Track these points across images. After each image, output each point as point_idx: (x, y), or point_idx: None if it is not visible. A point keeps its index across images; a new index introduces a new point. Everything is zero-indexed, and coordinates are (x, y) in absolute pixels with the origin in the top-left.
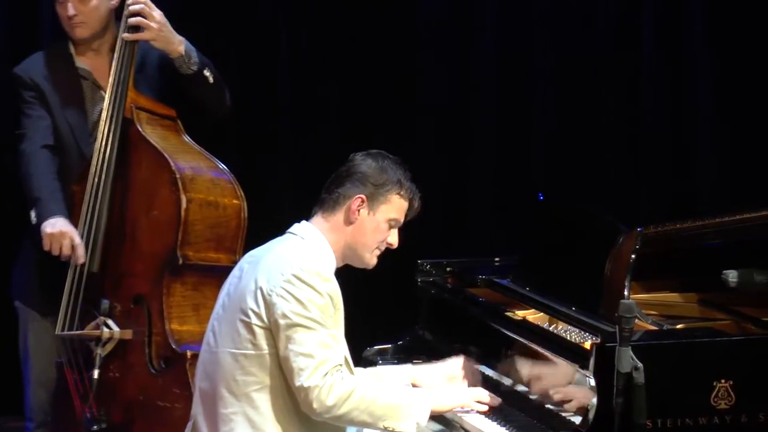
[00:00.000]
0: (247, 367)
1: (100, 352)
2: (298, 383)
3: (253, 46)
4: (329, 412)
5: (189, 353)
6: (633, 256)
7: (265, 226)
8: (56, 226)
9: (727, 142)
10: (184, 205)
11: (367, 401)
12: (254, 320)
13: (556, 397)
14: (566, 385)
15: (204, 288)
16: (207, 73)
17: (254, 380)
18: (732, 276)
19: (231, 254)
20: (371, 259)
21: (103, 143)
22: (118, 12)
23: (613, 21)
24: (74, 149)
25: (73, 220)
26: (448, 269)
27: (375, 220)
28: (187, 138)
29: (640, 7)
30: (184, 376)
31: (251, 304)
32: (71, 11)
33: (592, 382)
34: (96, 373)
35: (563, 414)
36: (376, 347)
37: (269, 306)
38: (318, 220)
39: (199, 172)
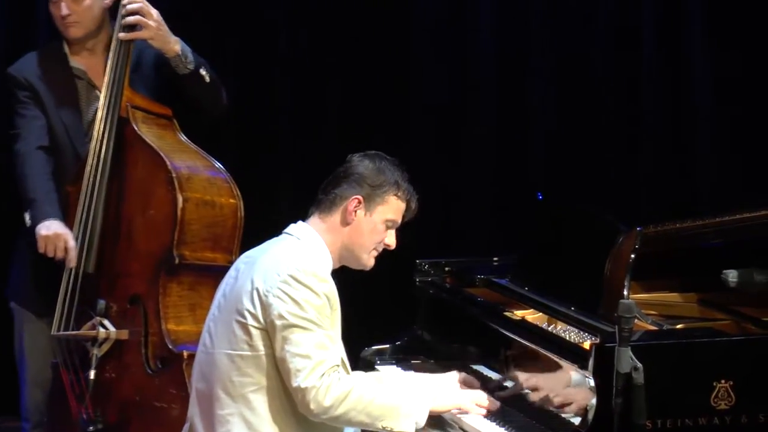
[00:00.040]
0: (243, 368)
1: (96, 352)
2: (295, 384)
3: (252, 45)
4: (326, 413)
5: (185, 353)
6: (632, 255)
7: (263, 226)
8: (51, 228)
9: (727, 142)
10: (180, 204)
11: (365, 401)
12: (250, 321)
13: (555, 397)
14: (565, 385)
15: (200, 288)
16: (203, 72)
17: (251, 381)
18: (732, 276)
19: (227, 254)
20: (368, 260)
21: (99, 142)
22: (113, 11)
23: (613, 21)
24: (69, 149)
25: (69, 221)
26: (446, 269)
27: (372, 221)
28: (183, 137)
29: (640, 7)
30: (181, 376)
31: (247, 304)
32: (64, 11)
33: (592, 383)
34: (92, 374)
35: (562, 415)
36: (374, 347)
37: (265, 307)
38: (315, 220)
39: (196, 172)
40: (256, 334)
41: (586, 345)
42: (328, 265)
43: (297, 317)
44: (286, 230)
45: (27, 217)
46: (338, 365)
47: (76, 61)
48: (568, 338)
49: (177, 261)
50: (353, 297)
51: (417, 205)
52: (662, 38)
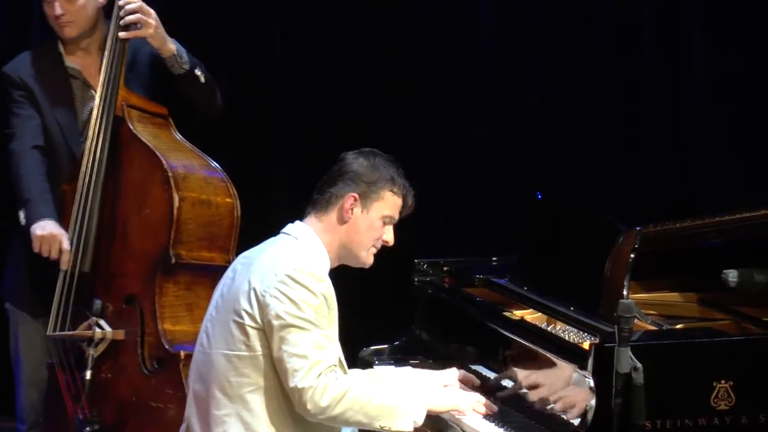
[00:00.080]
0: (240, 369)
1: (92, 352)
2: (292, 384)
3: (249, 46)
4: (323, 413)
5: (182, 353)
6: (632, 255)
7: (260, 226)
8: (46, 228)
9: (727, 142)
10: (176, 203)
11: (362, 401)
12: (248, 321)
13: (555, 398)
14: (565, 385)
15: (197, 287)
16: (198, 72)
17: (248, 381)
18: (732, 275)
19: (224, 253)
20: (367, 258)
21: (94, 141)
22: (107, 11)
23: (613, 21)
24: (64, 149)
25: (64, 220)
26: (445, 269)
27: (369, 218)
28: (179, 136)
29: (640, 7)
30: (178, 376)
31: (245, 305)
32: (58, 11)
33: (591, 383)
34: (88, 374)
35: (562, 415)
36: (372, 348)
37: (263, 307)
38: (311, 220)
39: (192, 171)
40: (254, 334)
41: (586, 345)
42: (326, 265)
43: (294, 317)
44: (284, 230)
45: (22, 215)
46: (335, 365)
47: (71, 61)
48: (567, 338)
49: (173, 261)
50: (352, 297)
51: (414, 200)
52: (662, 38)
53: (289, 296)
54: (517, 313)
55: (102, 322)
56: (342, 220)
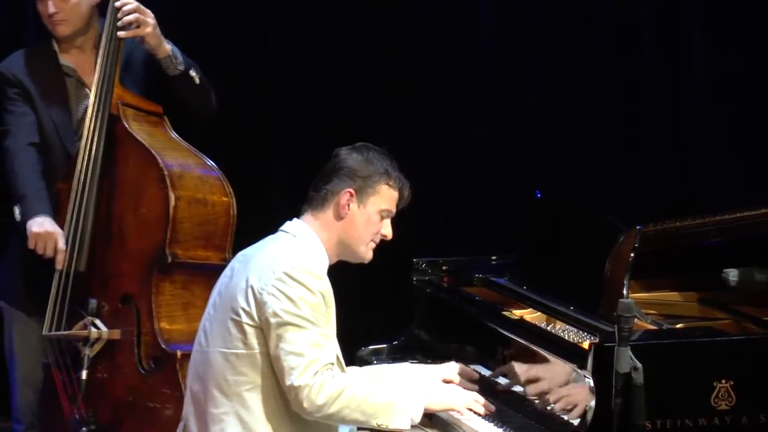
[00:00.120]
0: (238, 367)
1: (88, 352)
2: (288, 382)
3: (246, 46)
4: (320, 411)
5: (179, 353)
6: (632, 254)
7: (257, 225)
8: (43, 225)
9: (727, 142)
10: (172, 202)
11: (358, 399)
12: (245, 319)
13: (554, 397)
14: (564, 385)
15: (193, 286)
16: (193, 73)
17: (245, 380)
18: (732, 275)
19: (220, 252)
20: (366, 253)
21: (89, 140)
22: (101, 8)
23: (613, 21)
24: (59, 147)
25: (60, 219)
26: (444, 268)
27: (366, 213)
28: (174, 135)
29: (640, 7)
30: (174, 376)
31: (242, 302)
32: (52, 9)
33: (591, 383)
34: (84, 374)
35: (561, 415)
36: (371, 347)
37: (260, 304)
38: (308, 218)
39: (188, 169)
40: (251, 332)
41: (585, 345)
42: (324, 263)
43: (291, 315)
44: (282, 228)
45: (17, 211)
46: (332, 363)
47: (66, 59)
48: (567, 338)
49: (169, 260)
50: (350, 295)
51: (410, 192)
52: (662, 38)
53: (286, 294)
54: (517, 313)
55: (98, 322)
56: (339, 217)
